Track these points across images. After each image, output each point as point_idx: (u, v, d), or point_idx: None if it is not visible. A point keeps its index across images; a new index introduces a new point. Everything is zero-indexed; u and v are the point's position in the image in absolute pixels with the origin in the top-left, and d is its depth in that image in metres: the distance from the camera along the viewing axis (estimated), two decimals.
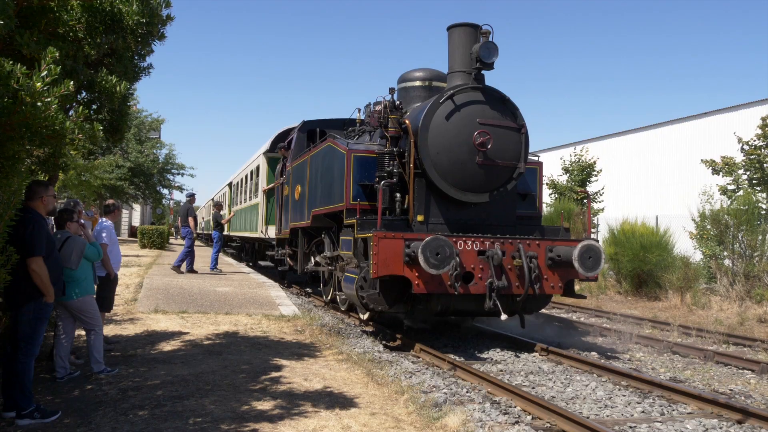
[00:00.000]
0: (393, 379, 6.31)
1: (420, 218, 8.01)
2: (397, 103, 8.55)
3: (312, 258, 12.38)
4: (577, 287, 10.78)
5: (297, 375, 6.20)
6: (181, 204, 17.32)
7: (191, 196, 17.04)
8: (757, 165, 17.54)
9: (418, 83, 9.93)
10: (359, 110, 12.15)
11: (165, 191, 43.71)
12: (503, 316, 7.64)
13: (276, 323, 9.37)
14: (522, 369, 7.37)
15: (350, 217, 8.75)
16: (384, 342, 8.37)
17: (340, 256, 9.39)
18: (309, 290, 15.46)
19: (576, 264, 7.64)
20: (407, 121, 8.38)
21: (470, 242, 7.81)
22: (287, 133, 16.17)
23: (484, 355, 8.10)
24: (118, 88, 5.34)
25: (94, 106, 5.72)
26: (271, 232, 16.66)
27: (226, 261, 22.86)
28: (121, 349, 7.20)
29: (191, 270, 15.99)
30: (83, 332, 6.47)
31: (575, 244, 8.10)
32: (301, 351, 7.40)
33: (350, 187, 8.88)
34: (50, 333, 6.57)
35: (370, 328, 9.60)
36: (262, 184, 17.48)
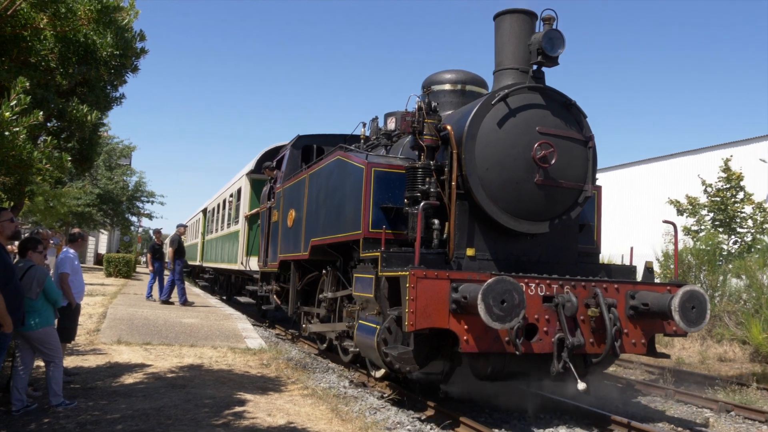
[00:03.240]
0: (357, 414, 6.26)
1: (470, 252, 6.10)
2: (434, 105, 6.72)
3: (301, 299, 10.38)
4: None
5: (261, 410, 6.13)
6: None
7: (179, 227, 17.42)
8: (721, 207, 17.55)
9: (448, 87, 8.14)
10: (364, 125, 10.38)
11: (134, 219, 43.51)
12: (580, 385, 5.75)
13: (242, 356, 9.27)
14: None
15: (370, 249, 6.85)
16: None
17: (352, 298, 7.45)
18: (295, 332, 13.44)
19: (677, 316, 5.79)
20: (448, 127, 6.54)
21: (533, 285, 5.93)
22: (276, 151, 14.25)
23: None
24: (89, 118, 5.43)
25: (64, 135, 5.82)
26: (253, 263, 14.62)
27: (194, 292, 21.96)
28: (81, 381, 7.01)
29: (166, 301, 15.73)
30: (42, 363, 6.34)
31: (665, 290, 6.30)
32: (266, 385, 7.32)
33: (369, 210, 6.99)
34: (8, 363, 6.50)
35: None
36: (244, 209, 15.48)
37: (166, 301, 15.85)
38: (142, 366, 8.06)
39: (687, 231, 18.22)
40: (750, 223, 17.67)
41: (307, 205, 9.53)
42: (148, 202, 39.71)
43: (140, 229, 52.93)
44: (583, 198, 6.81)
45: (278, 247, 11.30)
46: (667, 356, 6.65)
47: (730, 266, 14.50)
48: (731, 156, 18.36)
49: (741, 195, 17.98)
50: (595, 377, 6.62)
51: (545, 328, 5.90)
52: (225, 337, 10.90)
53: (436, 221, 6.45)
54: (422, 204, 6.05)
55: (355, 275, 7.08)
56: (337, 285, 8.88)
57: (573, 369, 5.79)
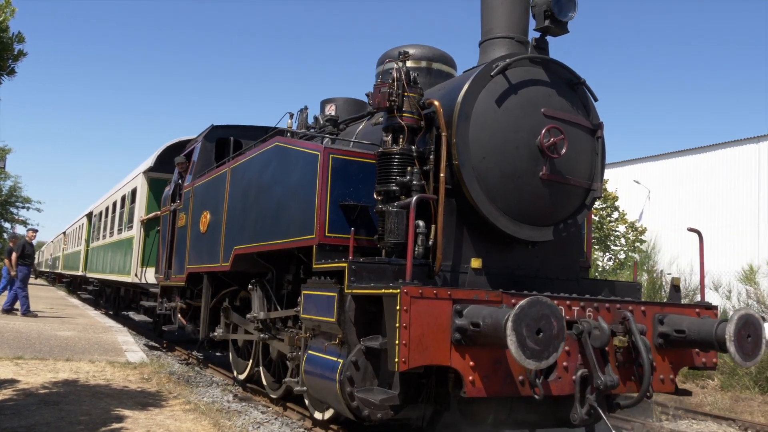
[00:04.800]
0: (240, 429, 6.17)
1: (476, 264, 4.62)
2: (414, 75, 5.25)
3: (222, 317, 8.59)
4: None
5: (140, 426, 5.94)
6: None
7: (29, 231, 16.51)
8: (597, 225, 18.81)
9: (411, 63, 6.66)
10: (291, 116, 8.80)
11: (7, 225, 41.28)
12: None
13: (121, 371, 8.96)
14: None
15: (329, 258, 5.27)
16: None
17: (300, 321, 5.83)
18: (199, 355, 11.54)
19: (732, 347, 4.58)
20: (436, 103, 5.08)
21: None
22: (181, 146, 12.28)
23: None
24: None
25: None
26: (151, 275, 12.57)
27: (72, 303, 21.26)
28: None
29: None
30: None
31: (694, 313, 5.13)
32: (146, 400, 7.12)
33: (326, 209, 5.41)
34: None
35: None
36: (140, 212, 13.36)
37: (9, 311, 15.04)
38: (12, 381, 7.60)
39: None
40: (623, 241, 19.37)
41: (228, 206, 7.79)
42: (23, 207, 38.45)
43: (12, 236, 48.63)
44: (590, 199, 5.57)
45: (186, 257, 9.42)
46: (689, 393, 5.48)
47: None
48: (607, 178, 18.49)
49: (616, 215, 19.73)
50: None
51: (564, 363, 4.55)
52: (104, 351, 10.58)
53: (421, 223, 4.97)
54: (415, 198, 4.54)
55: (304, 292, 5.47)
56: (269, 303, 7.20)
57: (605, 416, 4.46)
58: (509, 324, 3.70)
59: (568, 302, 4.65)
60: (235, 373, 8.85)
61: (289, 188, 6.05)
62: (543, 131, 5.10)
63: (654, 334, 4.97)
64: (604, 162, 5.65)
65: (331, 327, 4.99)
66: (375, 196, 5.24)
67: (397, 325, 4.07)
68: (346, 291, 4.76)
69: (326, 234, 5.39)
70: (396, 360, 4.05)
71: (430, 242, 4.96)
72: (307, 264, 5.91)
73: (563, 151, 5.17)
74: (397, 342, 4.05)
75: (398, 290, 4.10)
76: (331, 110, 8.11)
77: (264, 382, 7.76)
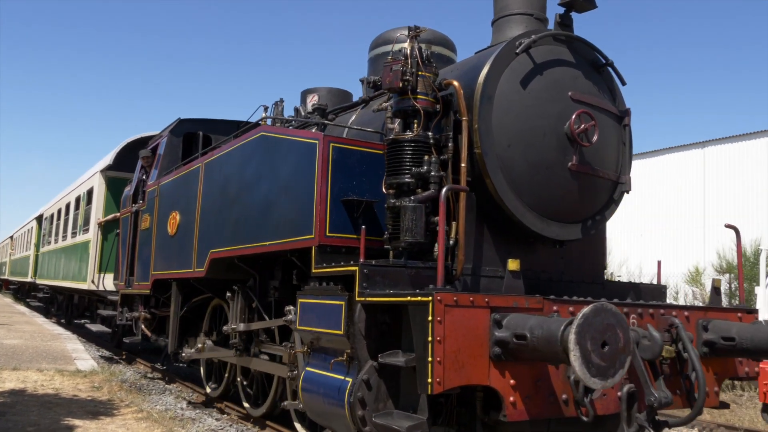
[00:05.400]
0: None
1: (513, 266, 3.99)
2: (427, 53, 4.62)
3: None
4: None
5: None
6: None
7: None
8: None
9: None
10: (266, 109, 8.11)
11: None
12: None
13: (71, 379, 8.79)
14: None
15: (329, 261, 4.61)
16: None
17: (293, 333, 5.15)
18: (161, 365, 10.70)
19: None
20: (455, 83, 4.46)
21: None
22: (143, 143, 11.38)
23: None
24: None
25: None
26: (109, 282, 11.64)
27: (19, 310, 20.01)
28: None
29: None
30: None
31: (735, 317, 4.65)
32: (97, 409, 7.03)
33: (327, 206, 4.74)
34: None
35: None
36: (98, 214, 12.40)
37: None
38: None
39: None
40: None
41: (202, 205, 7.04)
42: None
43: None
44: (619, 193, 5.04)
45: (151, 262, 8.60)
46: (727, 406, 4.99)
47: None
48: None
49: None
50: None
51: None
52: (52, 359, 10.41)
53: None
54: (446, 188, 3.90)
55: (301, 301, 4.79)
56: (250, 313, 6.49)
57: None
58: (572, 337, 3.10)
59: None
60: (207, 389, 8.08)
61: (278, 183, 5.36)
62: (573, 116, 4.54)
63: (698, 343, 4.46)
64: (631, 153, 5.13)
65: (338, 341, 4.32)
66: (384, 189, 4.59)
67: (430, 339, 3.44)
68: (357, 299, 4.11)
69: (327, 234, 4.72)
70: (429, 381, 3.42)
71: (451, 241, 4.33)
72: (300, 269, 5.23)
73: (594, 138, 4.62)
74: (429, 359, 3.42)
75: (430, 297, 3.46)
76: (313, 101, 7.43)
77: (243, 400, 7.04)
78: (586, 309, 3.17)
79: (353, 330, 4.21)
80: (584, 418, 3.77)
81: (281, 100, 8.14)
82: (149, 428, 6.33)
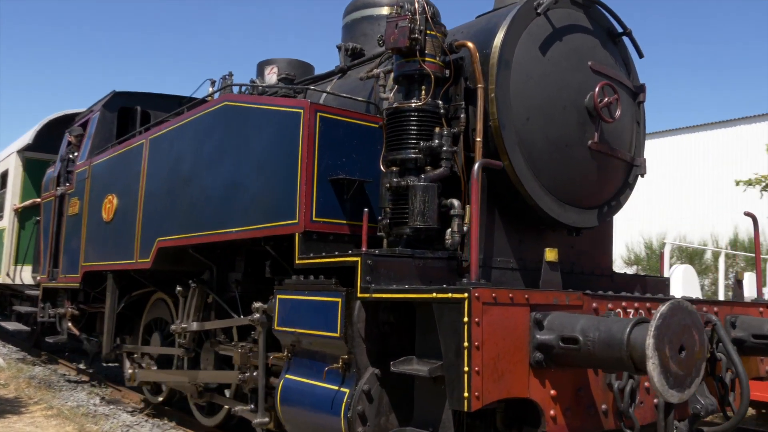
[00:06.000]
0: None
1: (551, 256, 3.42)
2: (433, 10, 3.99)
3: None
4: None
5: None
6: None
7: None
8: None
9: (386, 11, 5.45)
10: (213, 82, 7.35)
11: None
12: None
13: None
14: None
15: (316, 250, 3.94)
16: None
17: (254, 333, 4.44)
18: (85, 367, 9.69)
19: None
20: (469, 44, 3.85)
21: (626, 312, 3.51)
22: (67, 121, 10.21)
23: None
24: None
25: None
26: (27, 275, 10.45)
27: None
28: None
29: None
30: None
31: (757, 312, 4.27)
32: (3, 408, 6.81)
33: (313, 186, 4.05)
34: None
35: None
36: (14, 199, 11.11)
37: None
38: None
39: None
40: None
41: (146, 186, 6.18)
42: None
43: None
44: (633, 176, 4.58)
45: (81, 252, 7.63)
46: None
47: None
48: None
49: None
50: None
51: (646, 383, 3.51)
52: None
53: (456, 203, 3.74)
54: (479, 162, 3.29)
55: (280, 297, 4.09)
56: (204, 311, 5.71)
57: None
58: (651, 341, 2.56)
59: (647, 305, 3.60)
60: (146, 394, 7.22)
61: (249, 160, 4.61)
62: (597, 88, 4.02)
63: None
64: (644, 132, 4.68)
65: (332, 345, 3.65)
66: (383, 167, 3.94)
67: (466, 344, 2.83)
68: (359, 295, 3.46)
69: (313, 218, 4.03)
70: (465, 395, 2.81)
71: (465, 228, 3.74)
72: (276, 259, 4.52)
73: (617, 114, 4.13)
74: (465, 369, 2.82)
75: (466, 294, 2.85)
76: (272, 73, 6.70)
77: (193, 409, 6.24)
78: (662, 308, 2.64)
79: (352, 332, 3.56)
80: (628, 431, 3.27)
81: (230, 74, 7.37)
82: (60, 426, 6.21)
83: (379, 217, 4.01)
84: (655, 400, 3.54)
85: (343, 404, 3.54)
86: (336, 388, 3.64)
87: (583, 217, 4.21)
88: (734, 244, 18.02)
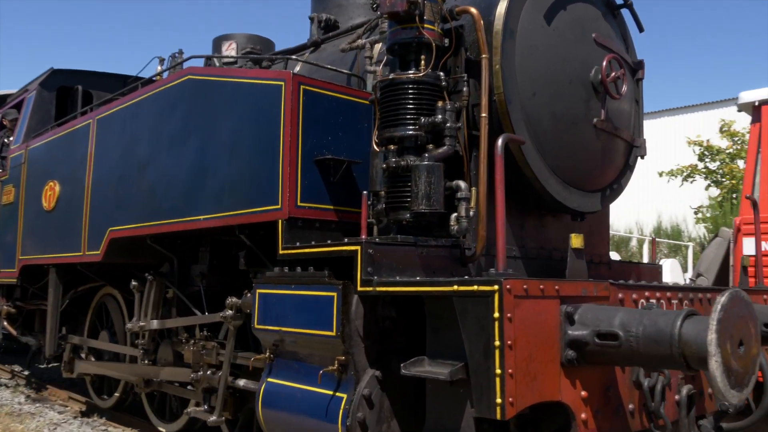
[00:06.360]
0: None
1: (578, 242, 3.08)
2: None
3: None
4: None
5: None
6: None
7: None
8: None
9: None
10: (161, 60, 6.85)
11: None
12: None
13: None
14: None
15: (301, 239, 3.53)
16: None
17: (224, 330, 4.00)
18: (19, 369, 8.96)
19: None
20: (473, 11, 3.48)
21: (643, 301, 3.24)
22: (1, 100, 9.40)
23: None
24: None
25: None
26: None
27: None
28: None
29: None
30: None
31: (763, 300, 4.10)
32: None
33: (297, 167, 3.63)
34: None
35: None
36: None
37: None
38: None
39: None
40: None
41: (94, 171, 5.61)
42: None
43: None
44: (634, 158, 4.33)
45: (18, 245, 6.96)
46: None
47: None
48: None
49: None
50: None
51: (679, 377, 3.26)
52: None
53: (463, 185, 3.38)
54: (503, 137, 2.93)
55: (260, 291, 3.66)
56: (162, 307, 5.20)
57: None
58: (713, 336, 2.27)
59: (668, 294, 3.34)
60: (94, 398, 6.64)
61: (219, 140, 4.14)
62: (604, 62, 3.74)
63: None
64: (642, 112, 4.44)
65: (326, 345, 3.26)
66: (377, 146, 3.55)
67: (497, 343, 2.49)
68: (360, 288, 3.07)
69: (298, 203, 3.61)
70: (498, 401, 2.47)
71: (471, 212, 3.39)
72: (251, 250, 4.07)
73: (624, 89, 3.86)
74: (498, 371, 2.48)
75: (496, 287, 2.51)
76: (230, 48, 6.21)
77: (149, 413, 5.73)
78: (722, 298, 2.36)
79: (349, 330, 3.17)
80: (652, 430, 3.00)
81: (180, 51, 6.84)
82: None
83: (369, 202, 3.62)
84: (677, 397, 3.29)
85: (341, 411, 3.16)
86: (331, 392, 3.25)
87: (587, 201, 3.94)
88: (657, 232, 18.59)
